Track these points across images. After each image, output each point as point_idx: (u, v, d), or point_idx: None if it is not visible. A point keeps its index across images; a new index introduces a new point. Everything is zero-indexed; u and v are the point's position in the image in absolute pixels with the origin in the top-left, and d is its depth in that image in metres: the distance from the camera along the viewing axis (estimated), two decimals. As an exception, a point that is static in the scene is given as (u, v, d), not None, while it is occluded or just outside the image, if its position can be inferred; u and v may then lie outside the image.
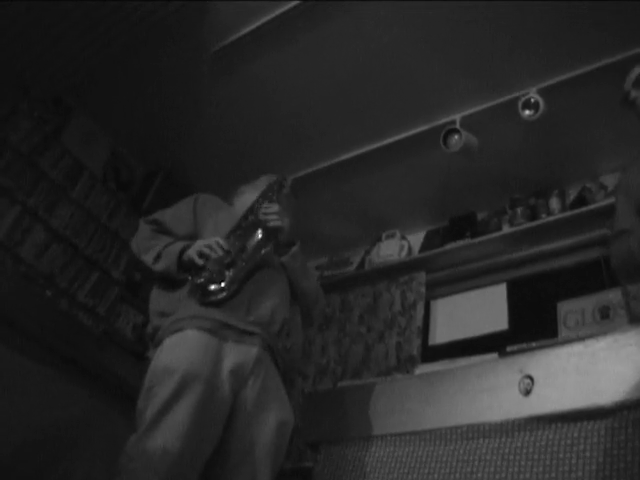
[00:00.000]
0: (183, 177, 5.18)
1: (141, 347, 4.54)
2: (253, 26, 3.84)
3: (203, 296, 2.40)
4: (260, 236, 2.53)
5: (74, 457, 3.48)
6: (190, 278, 2.44)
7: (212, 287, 2.40)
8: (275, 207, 2.59)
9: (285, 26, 3.81)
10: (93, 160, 4.93)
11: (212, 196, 2.88)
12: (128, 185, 5.14)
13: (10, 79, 4.40)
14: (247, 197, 2.77)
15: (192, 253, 2.45)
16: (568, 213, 4.18)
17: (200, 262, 2.41)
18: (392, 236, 5.08)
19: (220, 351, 2.28)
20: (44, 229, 4.44)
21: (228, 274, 2.42)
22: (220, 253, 2.42)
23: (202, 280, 2.41)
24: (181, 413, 2.11)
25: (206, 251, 2.42)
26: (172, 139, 4.96)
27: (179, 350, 2.27)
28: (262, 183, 2.81)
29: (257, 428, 2.28)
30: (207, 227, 2.63)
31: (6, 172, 4.27)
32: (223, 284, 2.40)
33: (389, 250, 4.98)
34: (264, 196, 2.66)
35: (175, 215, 2.72)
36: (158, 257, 2.52)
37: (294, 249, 2.64)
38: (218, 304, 2.39)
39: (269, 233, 2.55)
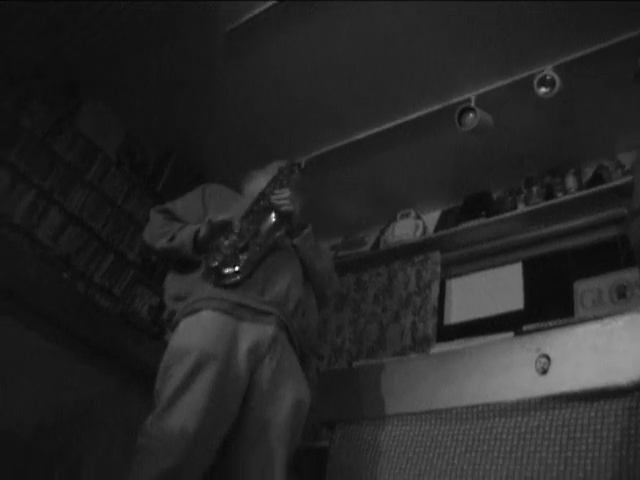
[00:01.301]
0: (196, 159, 5.18)
1: (157, 328, 4.57)
2: (265, 7, 3.82)
3: (217, 279, 2.42)
4: (273, 220, 2.55)
5: (91, 437, 3.52)
6: (204, 261, 2.45)
7: (226, 270, 2.42)
8: (286, 192, 2.60)
9: (298, 6, 3.78)
10: (107, 143, 4.93)
11: (220, 185, 2.91)
12: (142, 167, 5.14)
13: (24, 63, 4.40)
14: (258, 183, 2.80)
15: (214, 221, 2.47)
16: (584, 192, 4.14)
17: (225, 217, 2.45)
18: (407, 216, 5.06)
19: (236, 331, 2.31)
20: (60, 212, 4.46)
21: (242, 257, 2.44)
22: (233, 238, 2.45)
23: (216, 263, 2.42)
24: (197, 392, 2.13)
25: (221, 221, 2.45)
26: (185, 121, 4.95)
27: (195, 330, 2.29)
28: (273, 168, 2.82)
29: (273, 407, 2.30)
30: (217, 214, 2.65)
31: (21, 156, 4.29)
32: (237, 267, 2.42)
33: (404, 230, 4.97)
34: (275, 181, 2.67)
35: (184, 205, 2.75)
36: (172, 238, 2.54)
37: (306, 231, 2.66)
38: (233, 286, 2.40)
39: (282, 217, 2.56)
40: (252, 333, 2.33)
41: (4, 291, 3.37)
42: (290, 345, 2.46)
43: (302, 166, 2.87)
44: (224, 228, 2.46)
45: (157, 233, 2.62)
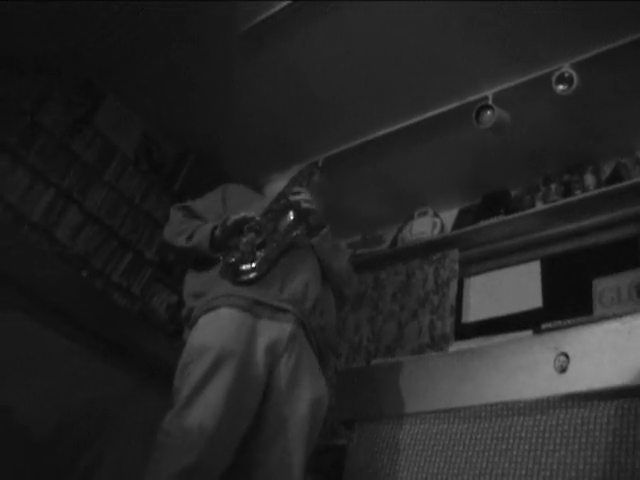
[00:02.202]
0: (214, 158, 5.19)
1: (175, 326, 4.59)
2: (283, 4, 3.82)
3: (235, 275, 2.42)
4: (292, 217, 2.56)
5: (109, 436, 3.53)
6: (222, 258, 2.46)
7: (244, 267, 2.42)
8: (306, 192, 2.62)
9: (314, 5, 3.78)
10: (125, 142, 4.96)
11: (241, 185, 2.94)
12: (160, 166, 5.16)
13: (42, 62, 4.43)
14: (278, 184, 2.81)
15: (231, 220, 2.48)
16: (603, 189, 4.11)
17: (243, 215, 2.47)
18: (425, 214, 5.05)
19: (254, 328, 2.31)
20: (78, 211, 4.49)
21: (259, 254, 2.44)
22: (252, 235, 2.45)
23: (234, 260, 2.43)
24: (216, 390, 2.13)
25: (241, 218, 2.46)
26: (202, 120, 4.97)
27: (213, 328, 2.30)
28: (293, 172, 2.84)
29: (291, 405, 2.30)
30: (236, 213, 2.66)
31: (40, 155, 4.32)
32: (254, 264, 2.42)
33: (422, 228, 4.96)
34: (295, 181, 2.70)
35: (205, 204, 2.78)
36: (191, 237, 2.56)
37: (324, 231, 2.66)
38: (250, 283, 2.41)
39: (300, 215, 2.57)
40: (270, 331, 2.33)
41: (22, 289, 3.39)
42: (308, 343, 2.46)
43: (320, 165, 2.87)
44: (241, 225, 2.47)
45: (176, 231, 2.63)
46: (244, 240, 2.45)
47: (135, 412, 3.60)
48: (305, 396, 2.33)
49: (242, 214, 2.48)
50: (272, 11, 3.87)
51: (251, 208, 2.61)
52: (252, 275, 2.42)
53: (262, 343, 2.29)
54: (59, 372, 3.39)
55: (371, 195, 5.20)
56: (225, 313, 2.32)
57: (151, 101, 4.92)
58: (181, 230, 2.61)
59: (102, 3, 3.93)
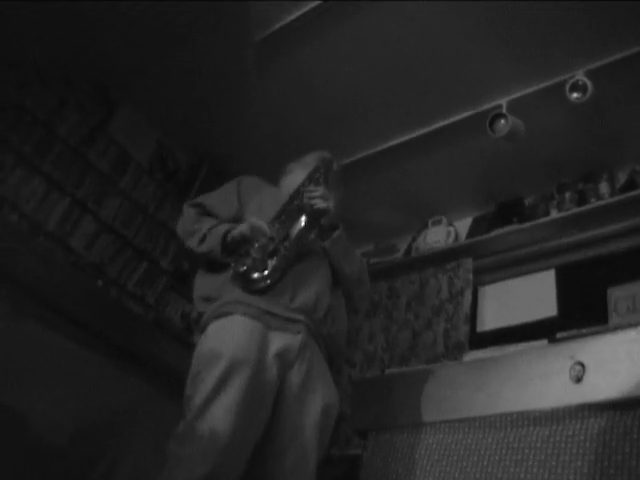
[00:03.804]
0: (229, 166, 5.20)
1: (189, 335, 4.60)
2: (296, 14, 3.83)
3: (245, 284, 2.40)
4: (303, 224, 2.51)
5: (123, 445, 3.54)
6: (232, 265, 2.44)
7: (254, 275, 2.39)
8: (320, 189, 2.56)
9: (329, 13, 3.79)
10: (140, 151, 4.98)
11: (256, 178, 2.88)
12: (175, 175, 5.18)
13: (57, 71, 4.46)
14: (294, 177, 2.77)
15: (236, 233, 2.46)
16: (618, 197, 4.10)
17: (246, 237, 2.43)
18: (439, 222, 5.05)
19: (265, 336, 2.29)
20: (93, 220, 4.51)
21: (271, 262, 2.41)
22: (263, 240, 2.42)
23: (244, 268, 2.40)
24: (229, 398, 2.11)
25: (249, 233, 2.43)
26: (217, 129, 4.99)
27: (225, 334, 2.27)
28: (311, 160, 2.80)
29: (303, 411, 2.28)
30: (251, 209, 2.64)
31: (56, 164, 4.35)
32: (265, 272, 2.39)
33: (436, 237, 4.96)
34: (310, 178, 2.64)
35: (219, 198, 2.74)
36: (203, 239, 2.54)
37: (336, 234, 2.59)
38: (261, 292, 2.39)
39: (313, 218, 2.52)
40: (281, 339, 2.31)
41: (37, 298, 3.41)
42: (319, 350, 2.45)
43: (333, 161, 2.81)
44: (250, 241, 2.44)
45: (189, 230, 2.62)
46: (256, 246, 2.42)
47: (149, 421, 3.61)
48: (317, 402, 2.32)
49: (252, 225, 2.45)
50: (287, 20, 3.89)
51: (266, 203, 2.61)
52: (263, 284, 2.39)
53: (273, 351, 2.27)
54: (74, 380, 3.40)
55: (385, 204, 5.20)
56: (236, 320, 2.30)
57: (165, 110, 4.94)
58: (194, 230, 2.59)
59: (117, 12, 3.96)
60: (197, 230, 2.58)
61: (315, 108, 4.50)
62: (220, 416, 2.09)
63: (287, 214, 2.53)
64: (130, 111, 4.95)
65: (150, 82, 4.68)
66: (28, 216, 4.16)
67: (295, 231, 2.49)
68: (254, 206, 2.65)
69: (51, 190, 4.32)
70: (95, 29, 4.14)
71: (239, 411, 2.10)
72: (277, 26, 3.94)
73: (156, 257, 4.84)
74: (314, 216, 2.53)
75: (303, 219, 2.51)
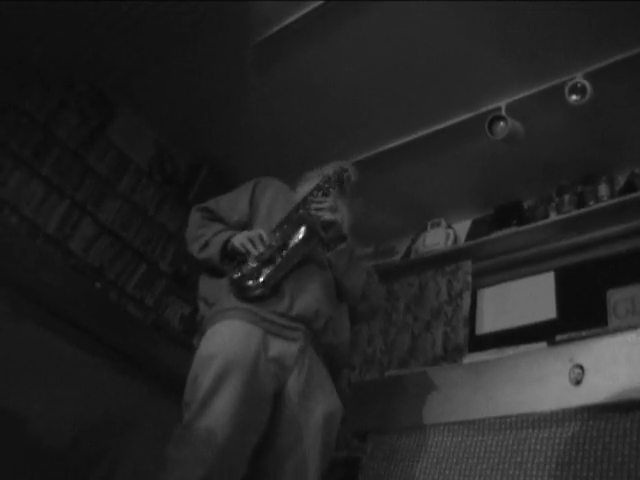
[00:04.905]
0: (228, 169, 5.20)
1: (189, 337, 4.60)
2: (295, 17, 3.84)
3: (240, 292, 2.37)
4: (302, 235, 2.44)
5: (123, 447, 3.54)
6: (228, 272, 2.43)
7: (248, 283, 2.36)
8: (329, 201, 2.54)
9: (328, 16, 3.80)
10: (139, 154, 4.99)
11: (274, 180, 2.84)
12: (174, 178, 5.19)
13: (57, 72, 4.46)
14: (310, 185, 2.70)
15: (235, 242, 2.44)
16: (617, 199, 4.10)
17: (242, 250, 2.40)
18: (438, 225, 5.05)
19: (262, 341, 2.26)
20: (92, 223, 4.52)
21: (265, 271, 2.37)
22: (261, 249, 2.40)
23: (239, 275, 2.39)
24: (224, 401, 2.10)
25: (248, 246, 2.41)
26: (216, 131, 4.99)
27: (220, 339, 2.26)
28: (329, 169, 2.74)
29: (304, 419, 2.26)
30: (260, 214, 2.62)
31: (55, 168, 4.36)
32: (260, 280, 2.36)
33: (435, 239, 4.96)
34: (319, 188, 2.60)
35: (229, 202, 2.71)
36: (205, 246, 2.52)
37: (340, 247, 2.54)
38: (255, 300, 2.36)
39: (314, 230, 2.45)
40: (279, 345, 2.29)
41: (36, 300, 3.41)
42: (319, 359, 2.41)
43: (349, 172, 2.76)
44: (246, 252, 2.42)
45: (193, 235, 2.60)
46: (253, 254, 2.40)
47: (149, 423, 3.60)
48: (318, 410, 2.29)
49: (250, 236, 2.44)
50: (286, 22, 3.90)
51: (276, 210, 2.59)
52: (257, 292, 2.35)
53: (271, 355, 2.25)
54: (73, 383, 3.40)
55: (384, 206, 5.20)
56: (233, 325, 2.28)
57: (165, 112, 4.95)
58: (197, 235, 2.57)
59: (116, 16, 3.96)
60: (201, 235, 2.56)
61: (315, 110, 4.50)
62: (216, 418, 2.08)
63: (291, 222, 2.50)
64: (129, 114, 4.96)
65: (149, 84, 4.68)
66: (27, 218, 4.17)
67: (293, 242, 2.43)
68: (264, 210, 2.64)
69: (50, 193, 4.33)
70: (95, 30, 4.14)
71: (235, 413, 2.09)
72: (276, 28, 3.95)
73: (155, 259, 4.84)
74: (317, 228, 2.47)
75: (302, 230, 2.44)
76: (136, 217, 4.81)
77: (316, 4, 3.75)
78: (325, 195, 2.58)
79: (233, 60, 4.29)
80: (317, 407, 2.30)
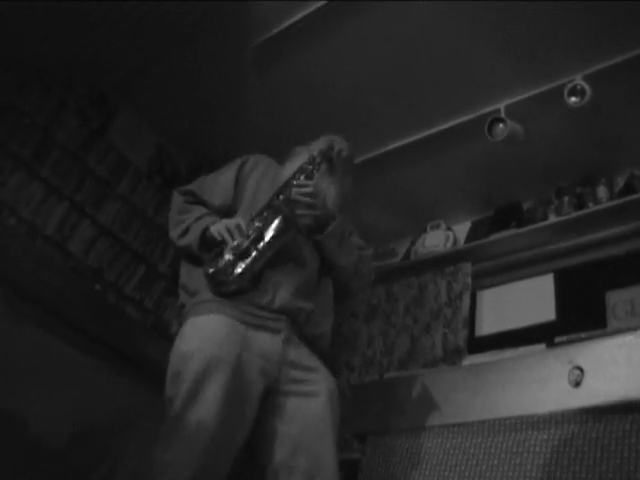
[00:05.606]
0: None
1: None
2: (295, 18, 3.84)
3: (214, 286, 2.30)
4: (277, 227, 2.32)
5: (122, 448, 3.53)
6: (203, 267, 2.35)
7: (222, 278, 2.28)
8: (310, 185, 2.42)
9: (327, 16, 3.79)
10: (138, 155, 4.98)
11: (263, 157, 2.78)
12: (173, 180, 5.18)
13: (57, 73, 4.46)
14: (299, 160, 2.59)
15: (214, 231, 2.36)
16: (616, 201, 4.10)
17: (219, 239, 2.32)
18: (437, 227, 5.05)
19: (245, 335, 2.22)
20: (91, 224, 4.51)
21: (241, 265, 2.28)
22: (238, 239, 2.31)
23: (213, 269, 2.31)
24: (210, 398, 2.06)
25: (225, 235, 2.32)
26: (216, 133, 4.98)
27: (201, 333, 2.21)
28: (319, 145, 2.63)
29: (306, 405, 2.23)
30: (245, 197, 2.55)
31: (54, 169, 4.35)
32: (235, 274, 2.27)
33: (434, 241, 4.96)
34: (302, 171, 2.48)
35: (215, 181, 2.63)
36: (185, 232, 2.44)
37: (329, 229, 2.44)
38: (231, 295, 2.29)
39: (291, 220, 2.34)
40: (262, 338, 2.24)
41: (36, 302, 3.41)
42: (306, 348, 2.37)
43: (337, 150, 2.62)
44: (224, 240, 2.33)
45: (174, 220, 2.52)
46: (230, 245, 2.30)
47: (148, 424, 3.60)
48: (319, 391, 2.26)
49: (227, 225, 2.35)
50: (287, 22, 3.90)
51: (261, 191, 2.52)
52: (233, 287, 2.28)
53: (255, 350, 2.20)
54: (73, 384, 3.40)
55: (383, 208, 5.20)
56: (215, 319, 2.22)
57: (165, 113, 4.94)
58: (178, 220, 2.49)
59: (117, 17, 3.96)
60: (182, 221, 2.47)
61: (315, 110, 4.49)
62: (202, 416, 2.04)
63: (271, 209, 2.40)
64: (129, 115, 4.95)
65: (149, 85, 4.67)
66: (26, 220, 4.16)
67: (269, 234, 2.32)
68: (250, 193, 2.56)
69: (50, 194, 4.32)
70: (95, 31, 4.13)
71: (220, 411, 2.05)
72: (275, 31, 3.95)
73: (154, 261, 4.83)
74: (294, 219, 2.36)
75: (277, 221, 2.33)
76: (135, 219, 4.80)
77: (316, 4, 3.75)
78: (308, 178, 2.45)
79: (233, 60, 4.29)
80: (316, 388, 2.26)
